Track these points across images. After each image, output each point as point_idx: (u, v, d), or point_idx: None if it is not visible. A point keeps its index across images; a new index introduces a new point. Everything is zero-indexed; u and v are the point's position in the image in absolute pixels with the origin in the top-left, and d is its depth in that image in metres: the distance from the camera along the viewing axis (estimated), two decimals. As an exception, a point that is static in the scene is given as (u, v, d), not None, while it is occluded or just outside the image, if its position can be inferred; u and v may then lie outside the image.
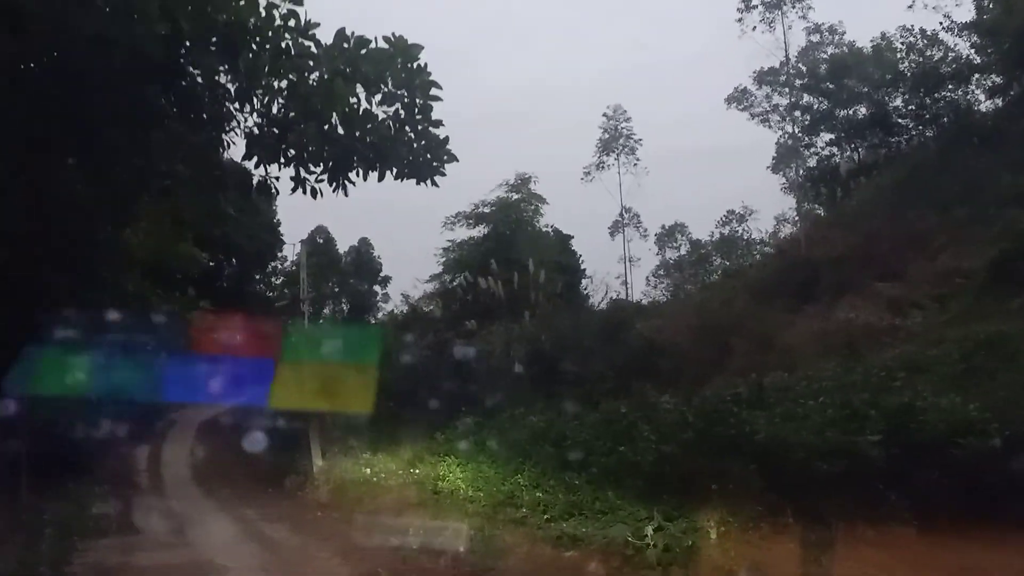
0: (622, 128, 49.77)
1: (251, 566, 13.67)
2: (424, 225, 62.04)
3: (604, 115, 48.63)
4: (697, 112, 71.15)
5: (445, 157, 9.62)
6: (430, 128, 9.49)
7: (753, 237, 48.75)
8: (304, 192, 9.91)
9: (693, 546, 9.04)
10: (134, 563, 13.87)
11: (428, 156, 9.59)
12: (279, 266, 48.30)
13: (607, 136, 49.67)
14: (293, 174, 9.79)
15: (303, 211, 57.46)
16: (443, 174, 9.72)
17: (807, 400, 10.96)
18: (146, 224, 20.64)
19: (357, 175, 9.71)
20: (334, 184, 9.70)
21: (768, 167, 40.89)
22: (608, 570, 9.75)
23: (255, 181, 10.30)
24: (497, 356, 25.50)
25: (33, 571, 11.94)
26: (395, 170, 9.65)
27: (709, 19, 72.56)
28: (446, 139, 9.55)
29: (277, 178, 10.14)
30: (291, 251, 45.32)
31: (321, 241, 53.52)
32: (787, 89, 38.29)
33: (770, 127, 39.09)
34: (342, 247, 54.78)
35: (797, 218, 40.96)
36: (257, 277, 47.06)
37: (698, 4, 71.65)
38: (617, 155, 48.97)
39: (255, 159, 9.80)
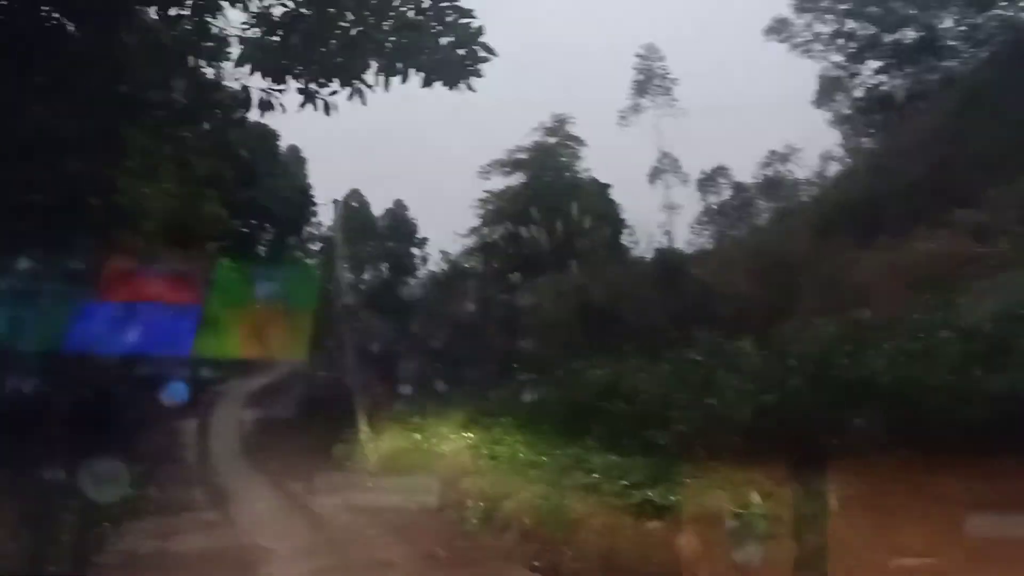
0: (656, 68, 47.46)
1: (298, 548, 12.51)
2: (459, 180, 60.10)
3: (637, 55, 46.12)
4: (731, 58, 67.54)
5: (480, 53, 7.98)
6: (460, 18, 7.87)
7: (798, 177, 46.99)
8: (315, 108, 8.40)
9: (813, 516, 7.48)
10: (171, 550, 12.83)
11: (459, 52, 7.98)
12: (314, 232, 47.25)
13: (641, 77, 47.35)
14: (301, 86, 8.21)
15: (336, 175, 56.01)
16: (478, 74, 8.10)
17: (929, 335, 9.21)
18: (168, 185, 19.56)
19: (375, 79, 8.12)
20: (348, 90, 8.11)
21: (811, 102, 38.23)
22: (704, 544, 8.24)
23: (256, 99, 8.72)
24: (545, 309, 23.99)
25: (55, 565, 10.87)
26: (421, 72, 8.02)
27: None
28: (479, 30, 7.95)
29: (280, 90, 8.57)
30: (325, 216, 44.07)
31: (355, 205, 52.38)
32: (830, 16, 35.89)
33: (812, 58, 36.39)
34: (377, 211, 53.55)
35: (844, 154, 38.99)
36: (291, 242, 46.19)
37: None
38: (653, 96, 46.75)
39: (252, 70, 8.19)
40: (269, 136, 42.30)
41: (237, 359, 19.75)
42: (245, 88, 8.66)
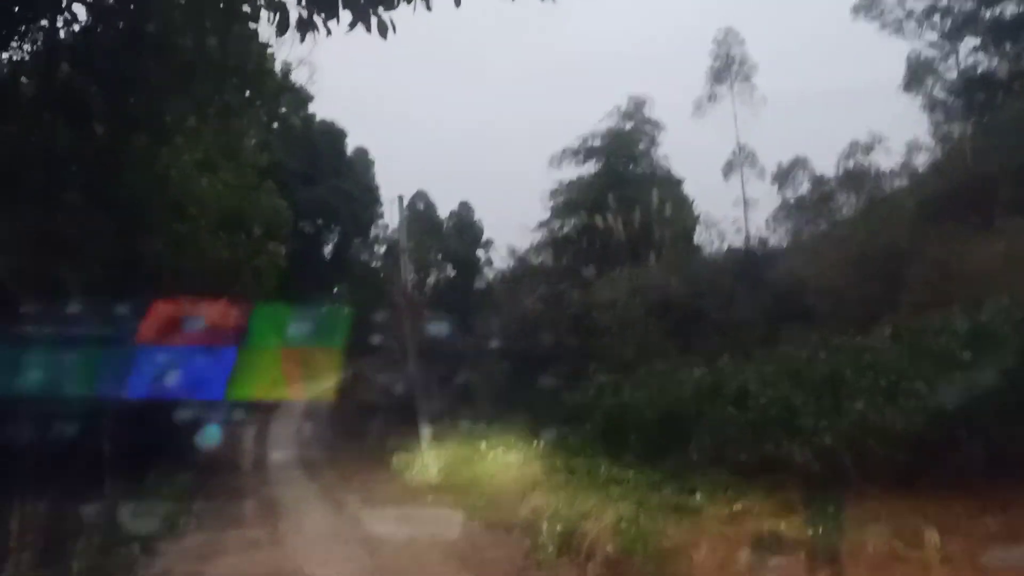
0: (734, 53, 44.90)
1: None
2: (526, 178, 58.44)
3: (714, 40, 43.55)
4: (815, 40, 64.38)
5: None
6: None
7: (883, 168, 44.10)
8: (368, 29, 6.75)
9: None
10: (207, 573, 11.28)
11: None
12: (380, 234, 46.46)
13: (718, 64, 44.79)
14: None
15: (403, 177, 55.17)
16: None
17: None
18: (226, 175, 18.48)
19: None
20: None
21: (899, 86, 35.79)
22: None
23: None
24: (622, 306, 22.04)
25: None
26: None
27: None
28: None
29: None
30: (390, 215, 43.12)
31: (421, 207, 51.64)
32: None
33: (904, 36, 34.13)
34: (442, 212, 52.54)
35: (935, 141, 36.49)
36: (358, 242, 45.42)
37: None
38: (731, 83, 44.16)
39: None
40: (336, 135, 41.77)
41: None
42: (281, 4, 7.04)
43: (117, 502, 13.72)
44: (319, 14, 7.25)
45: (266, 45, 14.11)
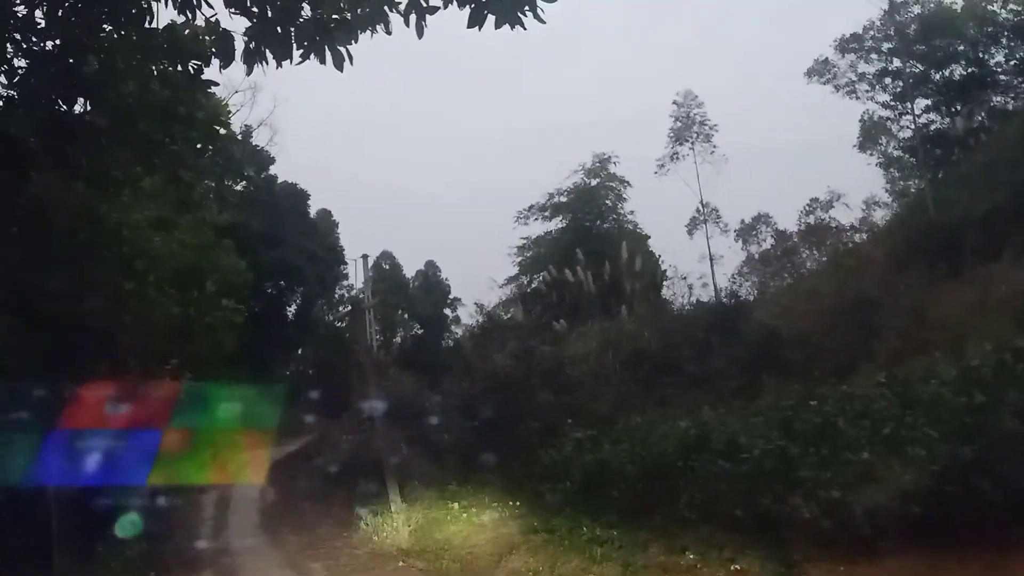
0: (695, 114, 45.53)
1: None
2: (492, 236, 58.42)
3: (674, 103, 44.09)
4: (762, 106, 65.91)
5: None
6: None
7: (843, 223, 44.75)
8: (322, 61, 6.23)
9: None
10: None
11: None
12: (345, 294, 45.86)
13: (679, 124, 45.39)
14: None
15: (368, 238, 54.98)
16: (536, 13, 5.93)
17: None
18: (183, 235, 17.85)
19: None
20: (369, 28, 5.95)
21: (854, 145, 37.09)
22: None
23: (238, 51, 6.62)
24: (594, 359, 21.52)
25: None
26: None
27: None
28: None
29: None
30: (355, 275, 42.59)
31: (387, 267, 51.36)
32: (874, 56, 34.75)
33: (857, 98, 35.31)
34: (408, 272, 52.14)
35: (891, 197, 37.52)
36: (322, 302, 44.66)
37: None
38: (692, 143, 44.69)
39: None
40: (299, 196, 41.33)
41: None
42: (225, 33, 6.52)
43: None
44: (266, 46, 6.78)
45: (219, 98, 13.70)
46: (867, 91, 34.61)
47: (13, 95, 9.72)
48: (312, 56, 6.73)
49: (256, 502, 25.68)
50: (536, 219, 33.91)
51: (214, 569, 17.02)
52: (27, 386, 10.79)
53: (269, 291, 38.16)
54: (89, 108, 9.85)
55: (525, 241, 34.12)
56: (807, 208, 45.10)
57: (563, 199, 33.03)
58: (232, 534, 21.36)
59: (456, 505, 16.74)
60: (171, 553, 16.83)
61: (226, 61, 7.09)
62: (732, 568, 7.64)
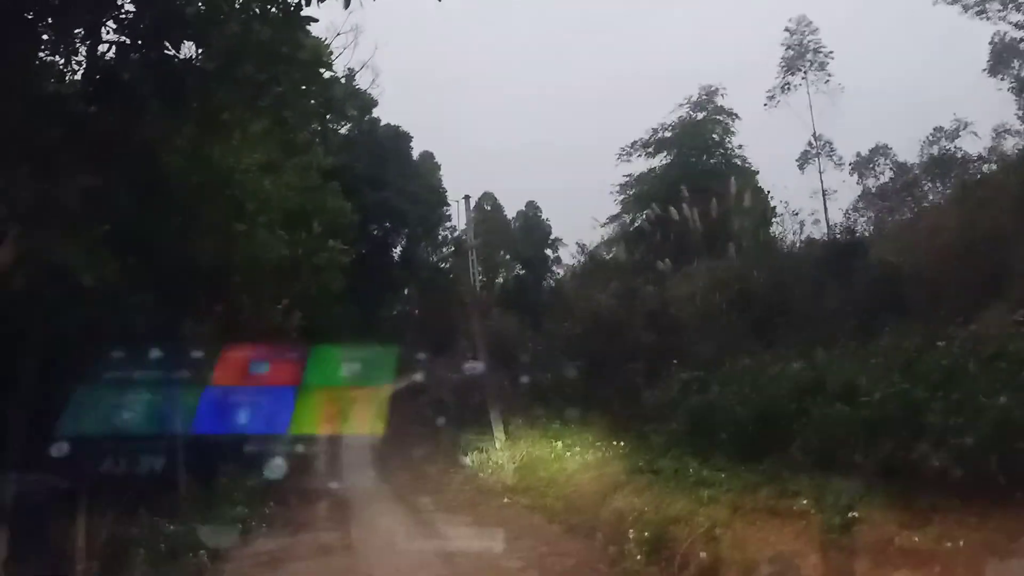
0: (808, 42, 42.96)
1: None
2: (594, 174, 57.42)
3: (786, 29, 41.70)
4: (881, 33, 61.59)
5: None
6: None
7: (971, 154, 41.67)
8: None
9: None
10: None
11: None
12: (449, 236, 46.23)
13: (791, 53, 42.96)
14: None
15: (470, 180, 55.04)
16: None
17: None
18: (289, 177, 18.22)
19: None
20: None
21: (984, 70, 34.25)
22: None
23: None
24: (700, 300, 20.93)
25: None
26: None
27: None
28: None
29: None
30: (457, 217, 42.81)
31: (488, 208, 51.33)
32: None
33: (988, 18, 32.43)
34: (510, 213, 52.05)
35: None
36: (426, 243, 45.26)
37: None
38: (805, 73, 42.26)
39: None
40: (402, 138, 41.65)
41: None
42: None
43: (187, 510, 13.43)
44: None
45: (320, 39, 13.71)
46: (999, 10, 31.83)
47: (124, 40, 9.95)
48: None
49: (367, 439, 26.52)
50: (639, 155, 33.04)
51: (328, 501, 17.75)
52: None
53: (374, 232, 38.89)
54: (196, 52, 10.02)
55: (628, 179, 33.37)
56: (930, 138, 42.28)
57: (667, 134, 32.01)
58: (344, 470, 22.22)
59: (559, 444, 16.77)
60: (289, 487, 17.63)
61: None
62: (849, 515, 7.29)
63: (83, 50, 9.95)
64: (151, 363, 11.77)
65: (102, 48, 9.73)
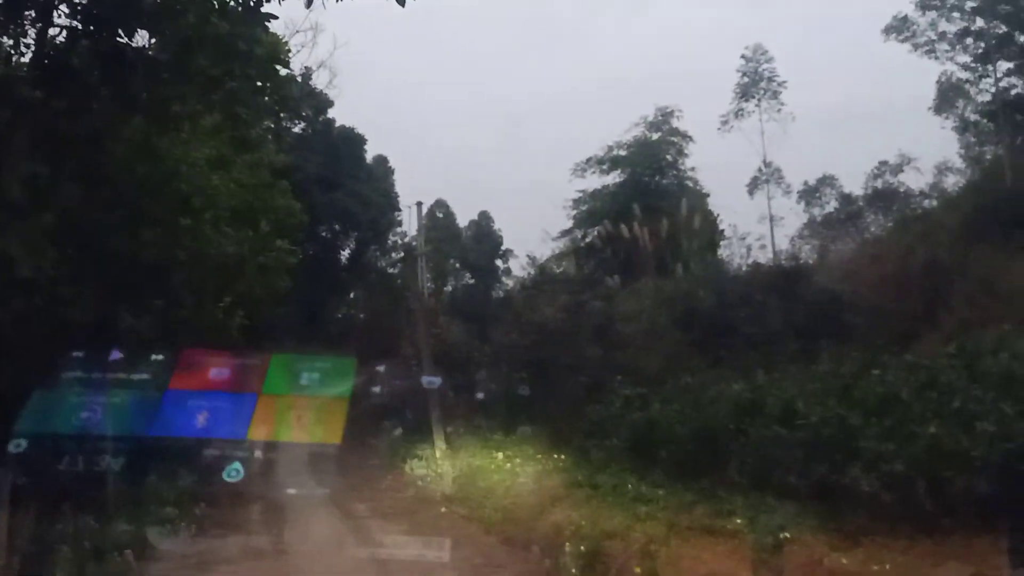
0: (763, 70, 44.01)
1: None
2: (547, 189, 57.97)
3: (743, 57, 42.69)
4: (833, 65, 63.30)
5: None
6: None
7: (912, 188, 43.10)
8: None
9: None
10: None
11: None
12: (399, 241, 45.90)
13: (746, 80, 43.95)
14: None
15: (423, 187, 54.96)
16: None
17: None
18: (238, 173, 17.91)
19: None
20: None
21: (929, 108, 35.67)
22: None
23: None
24: (647, 317, 21.17)
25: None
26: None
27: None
28: None
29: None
30: (409, 222, 42.57)
31: (440, 216, 51.22)
32: (956, 14, 33.14)
33: (936, 58, 33.86)
34: (462, 222, 52.08)
35: (965, 163, 36.31)
36: (375, 248, 44.88)
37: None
38: (758, 100, 43.25)
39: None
40: (356, 140, 41.24)
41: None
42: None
43: (115, 509, 13.07)
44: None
45: (278, 36, 13.56)
46: (947, 51, 33.14)
47: (76, 26, 9.70)
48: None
49: (304, 445, 26.12)
50: (594, 172, 33.42)
51: (262, 504, 17.42)
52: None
53: (323, 234, 38.39)
54: (149, 42, 9.82)
55: (581, 194, 33.71)
56: (875, 171, 43.83)
57: (622, 152, 32.41)
58: (279, 474, 21.79)
59: (500, 455, 16.74)
60: (222, 490, 17.26)
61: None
62: (781, 536, 7.43)
63: (32, 33, 9.69)
64: (84, 358, 11.54)
65: (52, 32, 9.49)
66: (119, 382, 11.88)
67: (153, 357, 12.30)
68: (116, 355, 11.47)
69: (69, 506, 11.08)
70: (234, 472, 18.51)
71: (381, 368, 23.63)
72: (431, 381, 20.13)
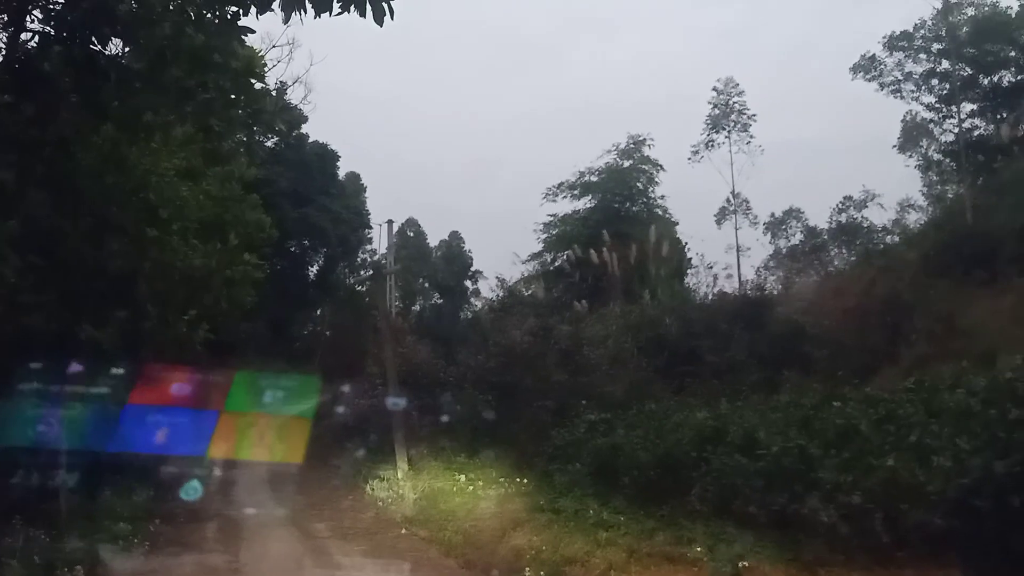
0: (734, 103, 44.72)
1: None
2: (517, 213, 58.23)
3: (714, 89, 43.32)
4: (800, 100, 64.74)
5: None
6: None
7: (875, 224, 44.02)
8: (362, 14, 6.02)
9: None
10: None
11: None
12: (368, 259, 45.75)
13: (717, 112, 44.61)
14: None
15: (394, 207, 54.97)
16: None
17: None
18: (209, 186, 17.78)
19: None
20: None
21: (894, 146, 36.68)
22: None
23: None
24: (613, 343, 21.29)
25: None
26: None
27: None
28: None
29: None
30: (379, 240, 42.52)
31: (411, 234, 51.27)
32: (922, 56, 33.94)
33: (901, 97, 34.48)
34: (432, 242, 52.18)
35: (928, 201, 37.09)
36: (344, 264, 44.64)
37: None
38: (728, 132, 43.91)
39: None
40: (328, 156, 41.14)
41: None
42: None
43: (67, 523, 12.80)
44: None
45: (254, 49, 13.50)
46: (912, 91, 33.77)
47: (49, 31, 9.63)
48: (352, 8, 6.51)
49: (264, 463, 25.78)
50: (565, 197, 33.71)
51: (219, 522, 17.15)
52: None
53: (292, 249, 38.18)
54: (123, 50, 9.75)
55: (552, 218, 33.97)
56: (840, 206, 44.64)
57: (594, 179, 32.73)
58: (238, 492, 21.55)
59: (463, 477, 16.69)
60: (177, 507, 16.99)
61: (262, 7, 6.90)
62: (740, 565, 7.48)
63: (3, 37, 9.60)
64: (42, 369, 11.33)
65: (24, 37, 9.39)
66: (77, 395, 11.67)
67: (113, 370, 12.10)
68: (75, 367, 11.21)
69: (20, 520, 10.83)
70: (192, 490, 18.58)
71: (346, 387, 23.39)
72: (395, 402, 20.01)
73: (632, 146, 33.19)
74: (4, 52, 9.30)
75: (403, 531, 15.64)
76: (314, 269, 41.78)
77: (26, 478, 11.53)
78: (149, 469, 17.30)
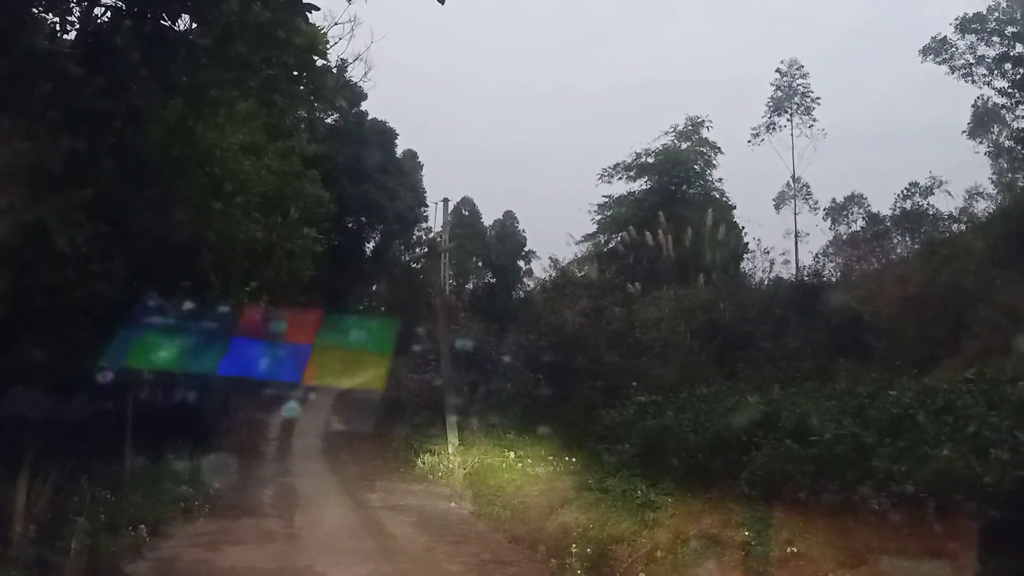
0: (798, 85, 43.62)
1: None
2: (572, 193, 58.00)
3: (777, 70, 42.32)
4: (865, 84, 62.85)
5: None
6: None
7: (941, 211, 42.61)
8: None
9: None
10: (208, 565, 10.66)
11: None
12: (423, 236, 46.12)
13: (780, 94, 43.57)
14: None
15: (450, 185, 55.28)
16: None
17: None
18: (270, 160, 18.15)
19: None
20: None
21: (963, 132, 35.26)
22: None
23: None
24: (666, 326, 21.12)
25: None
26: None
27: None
28: None
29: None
30: (434, 218, 42.82)
31: (466, 213, 51.48)
32: (995, 39, 32.67)
33: (973, 82, 33.42)
34: (487, 221, 52.40)
35: (997, 188, 35.92)
36: (400, 241, 45.12)
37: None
38: (791, 115, 42.88)
39: None
40: (387, 134, 41.50)
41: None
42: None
43: (131, 484, 13.36)
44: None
45: (317, 27, 13.69)
46: (984, 75, 32.76)
47: (120, 6, 9.91)
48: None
49: (320, 430, 26.47)
50: (620, 178, 33.42)
51: (275, 488, 17.73)
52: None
53: (350, 225, 38.72)
54: (191, 26, 9.99)
55: (607, 199, 33.74)
56: (905, 192, 43.27)
57: (650, 160, 32.37)
58: (294, 460, 22.21)
59: (512, 454, 16.85)
60: (238, 472, 17.69)
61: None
62: (788, 550, 7.46)
63: (78, 11, 9.90)
64: (111, 332, 11.78)
65: (97, 12, 9.68)
66: (122, 353, 12.39)
67: (156, 326, 13.02)
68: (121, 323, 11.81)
69: (87, 479, 11.30)
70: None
71: (399, 361, 23.76)
72: (447, 379, 20.28)
73: (690, 128, 32.79)
74: (78, 26, 9.59)
75: (452, 504, 15.92)
76: (370, 245, 42.36)
77: (94, 436, 12.07)
78: (210, 433, 18.41)
